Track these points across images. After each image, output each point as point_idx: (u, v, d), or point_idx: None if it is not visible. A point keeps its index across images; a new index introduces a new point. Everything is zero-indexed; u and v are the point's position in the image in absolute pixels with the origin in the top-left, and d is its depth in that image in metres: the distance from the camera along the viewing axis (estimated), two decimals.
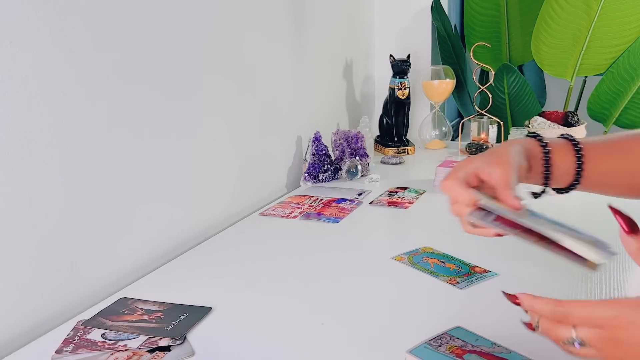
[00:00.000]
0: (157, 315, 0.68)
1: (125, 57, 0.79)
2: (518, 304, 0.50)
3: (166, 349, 0.61)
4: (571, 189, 0.63)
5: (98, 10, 0.73)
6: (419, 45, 1.86)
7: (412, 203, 1.12)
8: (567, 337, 0.47)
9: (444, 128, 1.70)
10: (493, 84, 1.85)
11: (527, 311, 0.49)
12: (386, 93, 1.62)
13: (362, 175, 1.32)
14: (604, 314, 0.45)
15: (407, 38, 1.87)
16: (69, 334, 0.64)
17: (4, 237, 0.63)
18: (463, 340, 0.57)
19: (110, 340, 0.63)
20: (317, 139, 1.28)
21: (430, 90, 1.65)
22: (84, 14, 0.71)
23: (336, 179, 1.32)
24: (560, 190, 0.64)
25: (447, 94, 1.66)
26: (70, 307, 0.72)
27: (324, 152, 1.28)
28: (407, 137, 1.64)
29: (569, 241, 0.51)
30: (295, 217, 1.05)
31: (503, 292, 0.51)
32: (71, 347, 0.61)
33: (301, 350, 0.60)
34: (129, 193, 0.81)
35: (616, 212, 0.49)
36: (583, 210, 0.97)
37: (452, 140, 1.78)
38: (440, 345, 0.55)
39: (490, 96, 1.63)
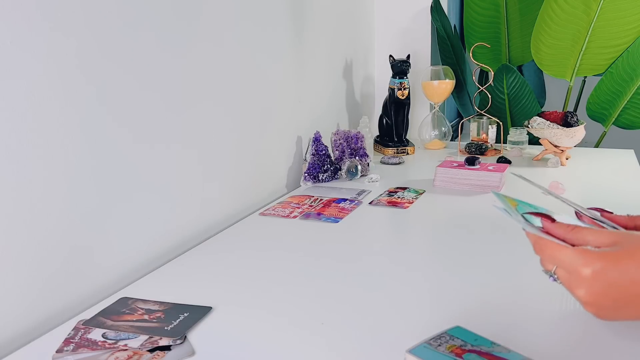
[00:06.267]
0: (157, 314, 0.68)
1: (127, 59, 0.79)
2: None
3: (166, 348, 0.61)
4: None
5: (100, 9, 0.74)
6: (419, 45, 1.86)
7: (411, 203, 1.12)
8: (546, 269, 0.57)
9: (443, 128, 1.70)
10: (492, 84, 1.85)
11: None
12: (386, 93, 1.62)
13: (362, 175, 1.32)
14: (570, 259, 0.53)
15: (406, 38, 1.87)
16: (69, 333, 0.64)
17: (4, 237, 0.63)
18: (462, 340, 0.57)
19: (110, 339, 0.63)
20: (317, 139, 1.28)
21: (430, 90, 1.65)
22: (86, 14, 0.72)
23: (336, 179, 1.32)
24: None
25: (447, 94, 1.66)
26: (71, 306, 0.72)
27: (324, 152, 1.28)
28: (407, 137, 1.65)
29: None
30: (295, 217, 1.05)
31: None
32: (72, 347, 0.61)
33: (301, 349, 0.60)
34: (130, 193, 0.82)
35: (537, 214, 0.60)
36: None
37: (452, 140, 1.78)
38: (439, 345, 0.55)
39: (489, 96, 1.63)
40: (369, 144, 1.43)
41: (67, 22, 0.69)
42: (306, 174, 1.27)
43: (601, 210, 0.62)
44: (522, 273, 0.78)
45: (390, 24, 1.88)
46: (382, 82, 1.88)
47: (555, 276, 0.55)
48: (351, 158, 1.32)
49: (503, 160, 1.44)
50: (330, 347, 0.60)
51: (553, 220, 0.58)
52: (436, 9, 1.86)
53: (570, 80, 1.88)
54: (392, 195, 1.17)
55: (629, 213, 0.62)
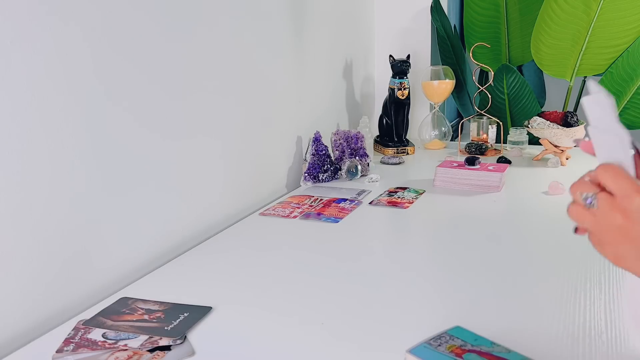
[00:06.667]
0: (157, 314, 0.68)
1: (128, 58, 0.79)
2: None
3: (166, 348, 0.61)
4: None
5: (100, 9, 0.74)
6: (419, 45, 1.86)
7: (411, 203, 1.12)
8: (586, 191, 0.51)
9: (443, 128, 1.70)
10: (492, 84, 1.85)
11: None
12: (386, 93, 1.62)
13: (362, 175, 1.32)
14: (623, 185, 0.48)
15: (406, 38, 1.87)
16: (69, 333, 0.65)
17: (6, 237, 0.63)
18: (462, 340, 0.57)
19: (110, 339, 0.63)
20: (317, 139, 1.28)
21: (430, 90, 1.65)
22: (86, 14, 0.72)
23: (336, 179, 1.32)
24: None
25: (447, 94, 1.66)
26: (71, 306, 0.72)
27: (324, 152, 1.28)
28: (407, 137, 1.65)
29: None
30: (295, 217, 1.05)
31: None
32: (72, 347, 0.61)
33: (301, 349, 0.60)
34: (130, 193, 0.82)
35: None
36: None
37: (452, 140, 1.78)
38: (439, 345, 0.56)
39: (489, 96, 1.63)
40: (369, 144, 1.43)
41: (68, 18, 0.69)
42: (306, 174, 1.27)
43: None
44: (522, 273, 0.78)
45: (390, 24, 1.88)
46: (382, 82, 1.88)
47: (595, 201, 0.51)
48: (351, 158, 1.32)
49: (503, 160, 1.44)
50: (330, 347, 0.60)
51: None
52: (436, 9, 1.86)
53: (570, 80, 1.88)
54: (392, 195, 1.17)
55: None
